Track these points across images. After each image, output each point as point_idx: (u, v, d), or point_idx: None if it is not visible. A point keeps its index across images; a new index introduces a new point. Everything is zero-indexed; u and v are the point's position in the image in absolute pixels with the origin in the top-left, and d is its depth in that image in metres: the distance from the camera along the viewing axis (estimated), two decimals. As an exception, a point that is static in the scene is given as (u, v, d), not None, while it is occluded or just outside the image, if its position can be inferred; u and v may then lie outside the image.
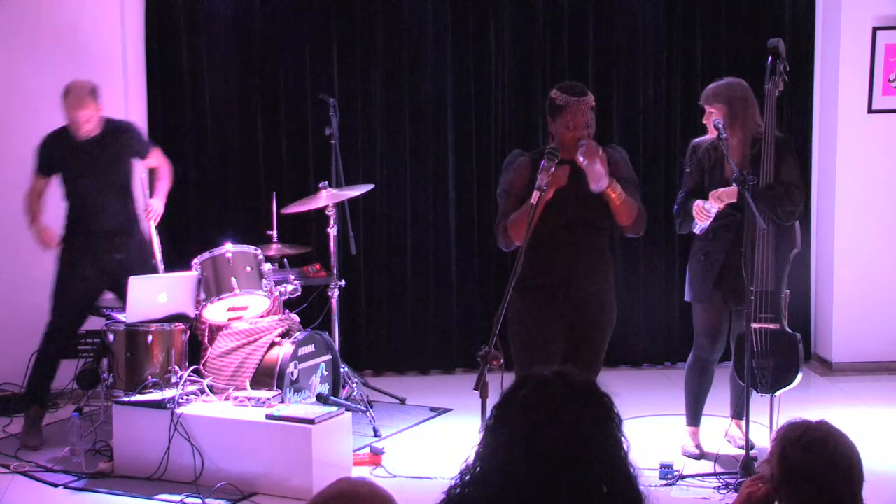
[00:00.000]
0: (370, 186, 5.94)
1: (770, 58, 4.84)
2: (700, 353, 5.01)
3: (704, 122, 4.88)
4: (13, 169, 6.22)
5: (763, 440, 4.89)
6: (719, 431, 5.13)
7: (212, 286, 5.19)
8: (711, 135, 4.81)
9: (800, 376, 4.88)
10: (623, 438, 1.92)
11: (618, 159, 4.26)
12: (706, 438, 5.14)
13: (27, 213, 5.52)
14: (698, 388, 5.05)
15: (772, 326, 4.80)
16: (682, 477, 4.70)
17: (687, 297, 5.03)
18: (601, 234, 4.25)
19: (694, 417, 5.10)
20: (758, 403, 4.69)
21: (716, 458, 4.77)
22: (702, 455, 5.00)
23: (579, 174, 4.07)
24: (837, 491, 2.32)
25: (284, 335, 5.19)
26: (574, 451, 1.84)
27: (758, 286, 4.74)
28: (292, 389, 5.06)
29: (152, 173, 5.71)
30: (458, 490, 1.92)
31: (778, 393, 4.82)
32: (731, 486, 4.53)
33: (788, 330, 4.86)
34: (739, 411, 5.04)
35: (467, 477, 1.90)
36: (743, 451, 4.74)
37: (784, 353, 4.82)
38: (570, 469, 1.83)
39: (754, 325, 4.76)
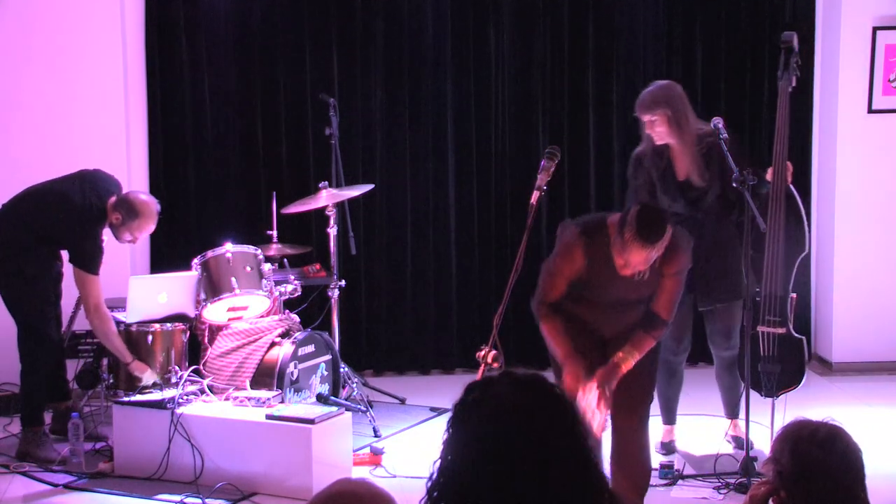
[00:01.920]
0: (370, 186, 5.94)
1: (783, 52, 4.82)
2: (667, 354, 4.96)
3: (648, 131, 4.77)
4: (14, 168, 6.23)
5: (763, 440, 4.89)
6: (720, 431, 5.14)
7: (212, 286, 5.18)
8: (649, 143, 4.80)
9: (804, 379, 4.89)
10: (578, 428, 1.92)
11: (678, 252, 3.82)
12: (707, 438, 5.17)
13: (124, 349, 5.02)
14: (669, 389, 5.04)
15: (779, 330, 4.79)
16: (683, 477, 4.69)
17: None
18: (641, 306, 3.94)
19: (668, 416, 5.11)
20: (755, 403, 4.67)
21: (716, 458, 4.77)
22: (671, 452, 5.03)
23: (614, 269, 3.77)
24: (850, 485, 2.34)
25: (284, 335, 5.19)
26: (526, 441, 1.84)
27: (765, 288, 4.74)
28: (292, 389, 5.06)
29: None
30: None
31: (781, 396, 4.83)
32: (731, 486, 4.53)
33: (794, 334, 4.85)
34: (733, 410, 5.08)
35: (435, 493, 1.91)
36: (741, 450, 4.78)
37: (790, 357, 4.81)
38: (526, 462, 1.84)
39: (761, 328, 4.76)
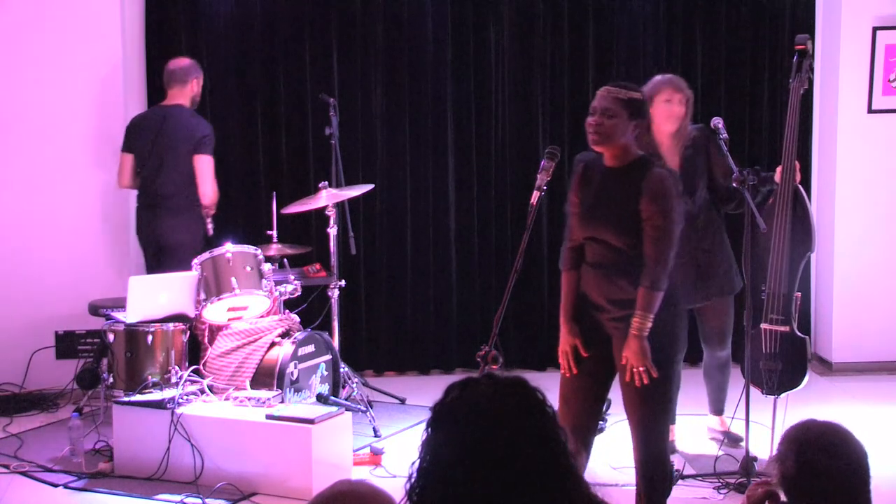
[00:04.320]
0: (370, 186, 5.94)
1: (797, 54, 4.81)
2: None
3: (662, 111, 4.69)
4: (16, 168, 6.23)
5: (763, 440, 4.89)
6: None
7: (212, 286, 5.19)
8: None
9: (806, 379, 4.88)
10: (558, 429, 1.91)
11: (652, 184, 3.68)
12: (707, 438, 5.19)
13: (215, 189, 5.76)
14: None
15: (782, 329, 4.79)
16: (683, 477, 4.69)
17: None
18: (622, 252, 3.70)
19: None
20: (755, 403, 4.67)
21: (716, 458, 4.77)
22: (672, 452, 5.01)
23: (607, 177, 3.73)
24: (854, 489, 2.34)
25: (284, 335, 5.18)
26: (504, 443, 1.83)
27: (770, 287, 4.74)
28: (292, 389, 5.06)
29: None
30: None
31: (783, 395, 4.82)
32: (731, 486, 4.53)
33: (798, 333, 4.84)
34: (719, 407, 5.14)
35: (414, 496, 1.90)
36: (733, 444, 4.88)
37: (792, 356, 4.81)
38: (503, 464, 1.83)
39: (764, 326, 4.77)
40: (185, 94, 5.78)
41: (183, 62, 5.84)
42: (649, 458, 3.75)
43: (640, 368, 3.60)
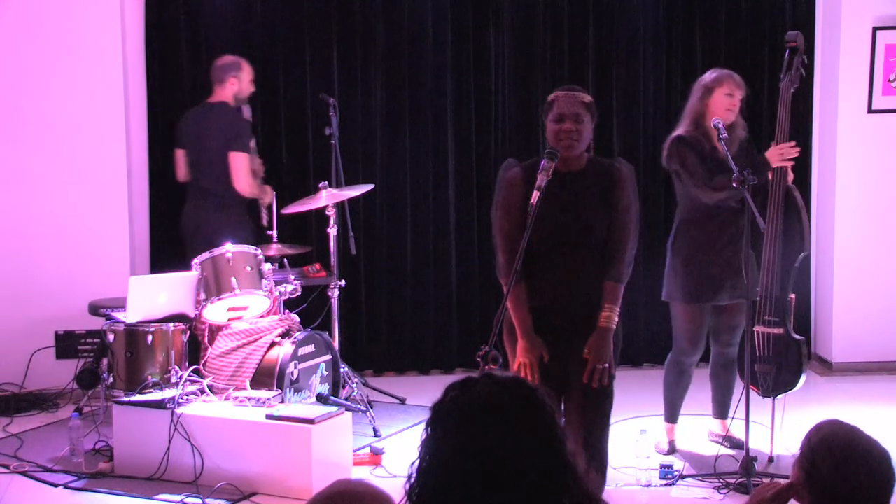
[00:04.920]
0: (370, 186, 5.94)
1: (787, 52, 4.79)
2: (681, 356, 4.93)
3: (724, 102, 4.74)
4: (16, 168, 6.23)
5: (763, 440, 4.89)
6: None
7: (212, 286, 5.18)
8: (692, 127, 4.78)
9: (803, 379, 4.87)
10: (557, 429, 1.90)
11: (623, 179, 3.74)
12: (702, 438, 5.18)
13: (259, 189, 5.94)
14: (676, 389, 5.01)
15: (775, 331, 4.77)
16: (682, 477, 4.69)
17: (678, 298, 4.87)
18: (594, 252, 3.74)
19: (672, 415, 5.09)
20: (755, 403, 4.67)
21: (716, 458, 4.76)
22: (672, 451, 5.02)
23: (569, 182, 3.75)
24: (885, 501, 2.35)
25: (284, 335, 5.18)
26: (504, 443, 1.83)
27: (763, 288, 4.72)
28: (292, 389, 5.06)
29: None
30: None
31: (779, 396, 4.82)
32: (731, 486, 4.53)
33: (793, 334, 4.82)
34: (724, 411, 5.09)
35: (414, 496, 1.89)
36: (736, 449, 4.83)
37: (787, 358, 4.79)
38: (503, 463, 1.83)
39: (757, 329, 4.75)
40: (226, 91, 5.86)
41: (223, 60, 5.92)
42: (596, 463, 3.70)
43: (605, 364, 3.61)
